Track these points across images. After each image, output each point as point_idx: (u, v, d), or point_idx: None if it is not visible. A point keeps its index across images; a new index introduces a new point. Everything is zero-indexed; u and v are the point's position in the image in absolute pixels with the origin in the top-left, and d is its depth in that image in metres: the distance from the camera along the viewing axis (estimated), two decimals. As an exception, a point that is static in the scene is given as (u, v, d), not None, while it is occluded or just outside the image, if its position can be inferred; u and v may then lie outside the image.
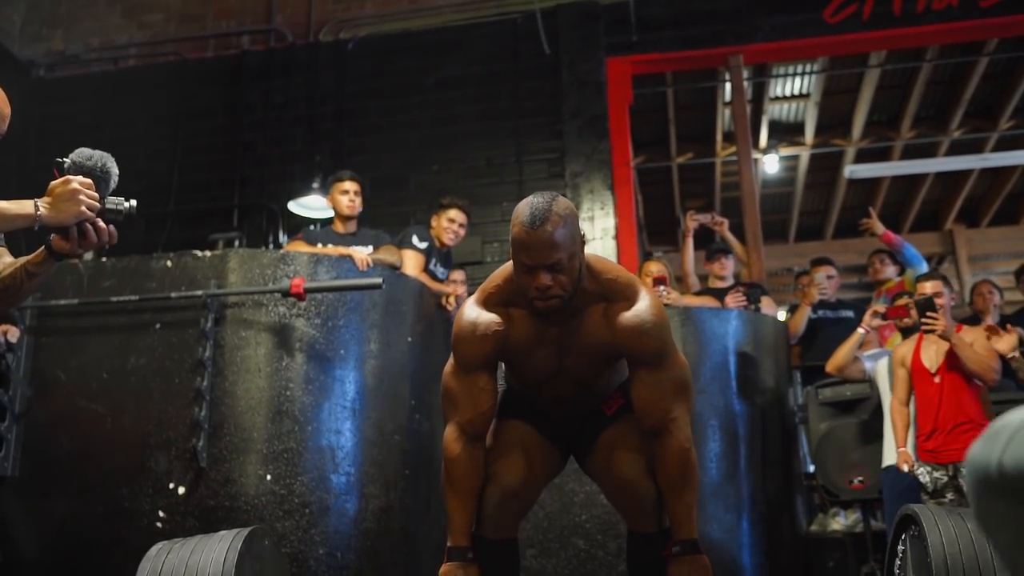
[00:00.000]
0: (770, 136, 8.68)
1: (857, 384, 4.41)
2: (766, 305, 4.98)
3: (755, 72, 7.43)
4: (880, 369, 4.26)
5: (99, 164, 1.86)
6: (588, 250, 2.24)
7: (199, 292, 3.61)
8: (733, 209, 7.57)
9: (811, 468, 4.77)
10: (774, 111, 8.40)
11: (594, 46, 6.35)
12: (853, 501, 4.45)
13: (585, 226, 5.70)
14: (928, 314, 3.76)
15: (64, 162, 1.84)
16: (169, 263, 3.72)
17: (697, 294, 5.19)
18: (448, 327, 4.46)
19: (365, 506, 3.69)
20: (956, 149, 8.92)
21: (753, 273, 5.79)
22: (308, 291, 3.60)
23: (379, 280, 3.63)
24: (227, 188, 6.50)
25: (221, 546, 2.22)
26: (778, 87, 7.94)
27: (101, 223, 1.84)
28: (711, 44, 6.31)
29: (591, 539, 3.90)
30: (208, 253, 3.82)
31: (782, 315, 5.77)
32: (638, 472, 2.23)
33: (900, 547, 2.28)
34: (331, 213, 4.71)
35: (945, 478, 3.73)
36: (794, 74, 7.66)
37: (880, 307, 4.45)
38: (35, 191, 1.82)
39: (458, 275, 5.23)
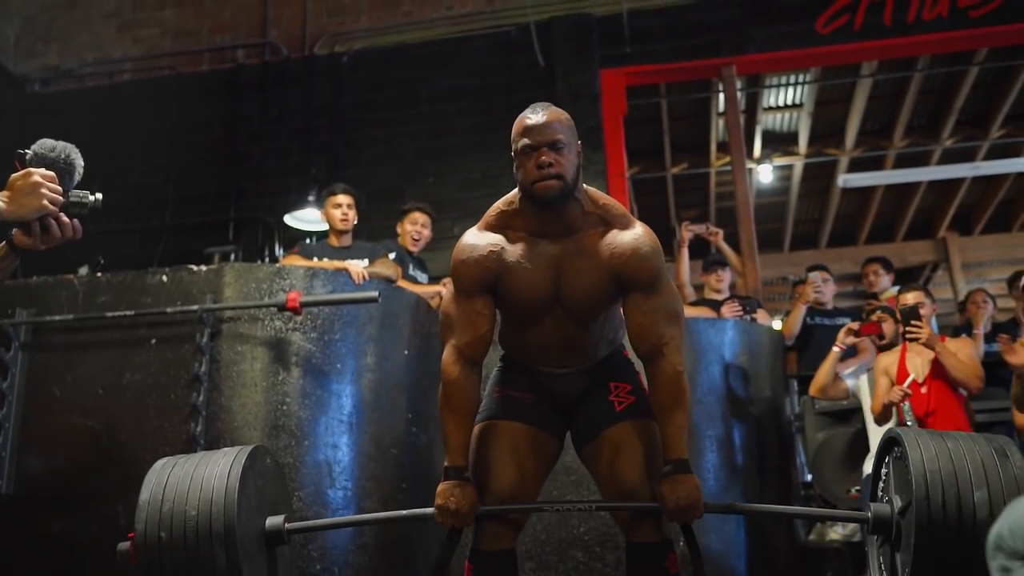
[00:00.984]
0: (764, 146, 8.72)
1: (853, 392, 4.42)
2: (761, 317, 4.99)
3: (748, 83, 7.46)
4: (862, 385, 4.26)
5: (62, 155, 1.80)
6: None
7: (195, 307, 3.59)
8: (728, 219, 7.60)
9: (809, 477, 4.77)
10: (768, 121, 8.43)
11: (588, 58, 6.37)
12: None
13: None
14: (913, 323, 3.79)
15: (26, 153, 1.78)
16: (164, 278, 3.71)
17: (693, 304, 5.19)
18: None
19: (363, 520, 3.68)
20: (948, 157, 8.93)
21: (748, 283, 5.80)
22: (304, 305, 3.58)
23: (375, 294, 3.63)
24: (223, 201, 6.51)
25: (225, 460, 2.25)
26: (771, 97, 7.96)
27: (64, 217, 1.77)
28: (705, 55, 6.34)
29: (590, 551, 3.89)
30: (204, 268, 3.80)
31: (777, 324, 5.78)
32: (641, 480, 2.21)
33: (884, 470, 2.30)
34: (327, 226, 4.72)
35: None
36: (787, 84, 7.69)
37: (854, 324, 4.41)
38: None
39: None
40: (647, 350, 2.22)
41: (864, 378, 4.26)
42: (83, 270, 4.53)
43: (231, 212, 6.46)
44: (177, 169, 6.58)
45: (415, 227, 4.73)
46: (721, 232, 5.64)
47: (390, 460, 3.82)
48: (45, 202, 1.73)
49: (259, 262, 6.24)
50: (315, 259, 4.31)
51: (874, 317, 4.41)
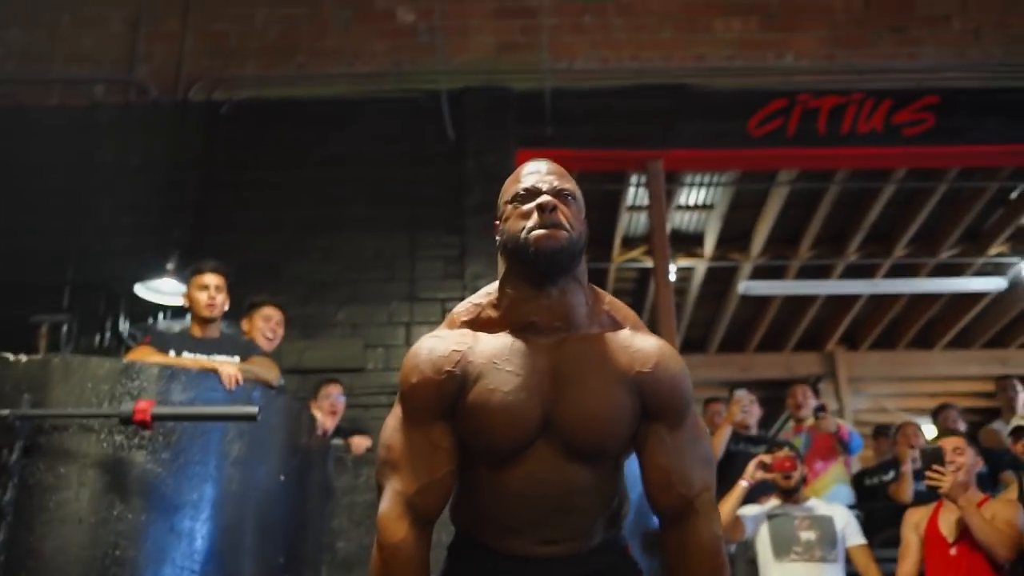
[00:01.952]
0: (670, 245, 8.30)
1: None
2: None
3: (666, 179, 7.01)
4: (761, 533, 3.79)
5: None
6: None
7: (5, 411, 2.68)
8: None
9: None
10: (676, 220, 8.03)
11: (504, 135, 5.77)
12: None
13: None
14: (934, 467, 3.25)
15: None
16: (-38, 367, 2.77)
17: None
18: (325, 455, 3.62)
19: None
20: (849, 272, 8.83)
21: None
22: (157, 419, 2.72)
23: (254, 410, 2.76)
24: (60, 261, 5.40)
25: None
26: (685, 196, 7.56)
27: None
28: (630, 145, 5.85)
29: None
30: (24, 357, 2.88)
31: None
32: None
33: None
34: (187, 304, 3.79)
35: None
36: (704, 184, 7.31)
37: (766, 456, 3.94)
38: None
39: (334, 389, 4.39)
40: (673, 504, 1.57)
41: (764, 527, 3.79)
42: None
43: (69, 274, 5.36)
44: (4, 216, 5.46)
45: (270, 323, 4.01)
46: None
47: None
48: None
49: (97, 337, 5.19)
50: (173, 353, 3.40)
51: (781, 453, 3.90)
